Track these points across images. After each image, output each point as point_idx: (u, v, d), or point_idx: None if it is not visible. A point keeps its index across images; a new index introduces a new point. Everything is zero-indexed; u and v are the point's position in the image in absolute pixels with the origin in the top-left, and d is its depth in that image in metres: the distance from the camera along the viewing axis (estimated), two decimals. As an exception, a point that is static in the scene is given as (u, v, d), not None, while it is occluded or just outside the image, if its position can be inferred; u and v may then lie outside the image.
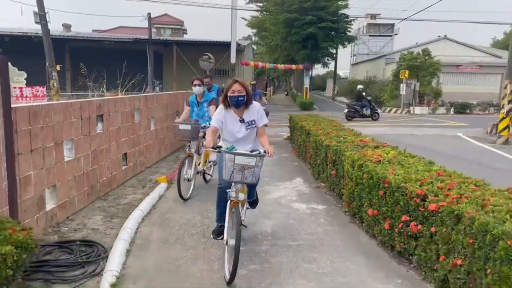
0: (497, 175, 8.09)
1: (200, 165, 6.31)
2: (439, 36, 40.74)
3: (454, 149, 11.62)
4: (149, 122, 8.02)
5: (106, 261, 3.70)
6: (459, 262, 2.95)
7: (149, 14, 23.79)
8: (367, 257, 4.00)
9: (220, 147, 3.78)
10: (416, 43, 40.88)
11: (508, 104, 13.09)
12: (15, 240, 3.00)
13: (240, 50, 26.39)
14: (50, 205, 4.56)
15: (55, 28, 30.70)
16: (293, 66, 27.79)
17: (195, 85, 6.45)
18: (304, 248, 4.17)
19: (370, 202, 4.40)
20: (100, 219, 4.91)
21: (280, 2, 28.70)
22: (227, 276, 3.40)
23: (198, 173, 6.32)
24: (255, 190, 4.42)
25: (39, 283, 3.32)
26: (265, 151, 3.75)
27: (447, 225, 3.12)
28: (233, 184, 3.73)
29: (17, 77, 13.54)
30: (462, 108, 26.55)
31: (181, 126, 6.18)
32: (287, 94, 51.58)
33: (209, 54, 19.24)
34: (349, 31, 30.18)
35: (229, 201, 3.72)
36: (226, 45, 24.14)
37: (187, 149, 6.27)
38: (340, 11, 28.85)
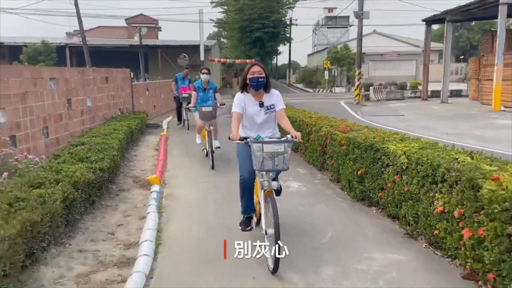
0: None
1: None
2: (374, 30, 50.85)
3: (326, 107, 21.16)
4: (160, 93, 17.36)
5: (161, 127, 13.14)
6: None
7: (139, 27, 32.50)
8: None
9: (246, 138, 3.78)
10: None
11: (357, 81, 23.01)
12: (145, 115, 12.43)
13: (207, 49, 35.46)
14: (138, 117, 14.01)
15: (52, 35, 38.83)
16: (248, 61, 37.16)
17: (204, 73, 7.20)
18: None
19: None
20: (158, 120, 14.32)
21: (236, 11, 38.12)
22: (271, 266, 3.42)
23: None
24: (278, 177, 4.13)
25: (147, 129, 12.75)
26: (292, 136, 3.70)
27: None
28: (264, 173, 3.66)
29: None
30: (368, 87, 36.52)
31: (204, 109, 6.84)
32: (254, 83, 60.90)
33: (184, 54, 28.06)
34: (288, 34, 40.12)
35: (262, 191, 3.73)
36: (197, 46, 32.86)
37: (206, 127, 7.03)
38: (282, 19, 38.70)
